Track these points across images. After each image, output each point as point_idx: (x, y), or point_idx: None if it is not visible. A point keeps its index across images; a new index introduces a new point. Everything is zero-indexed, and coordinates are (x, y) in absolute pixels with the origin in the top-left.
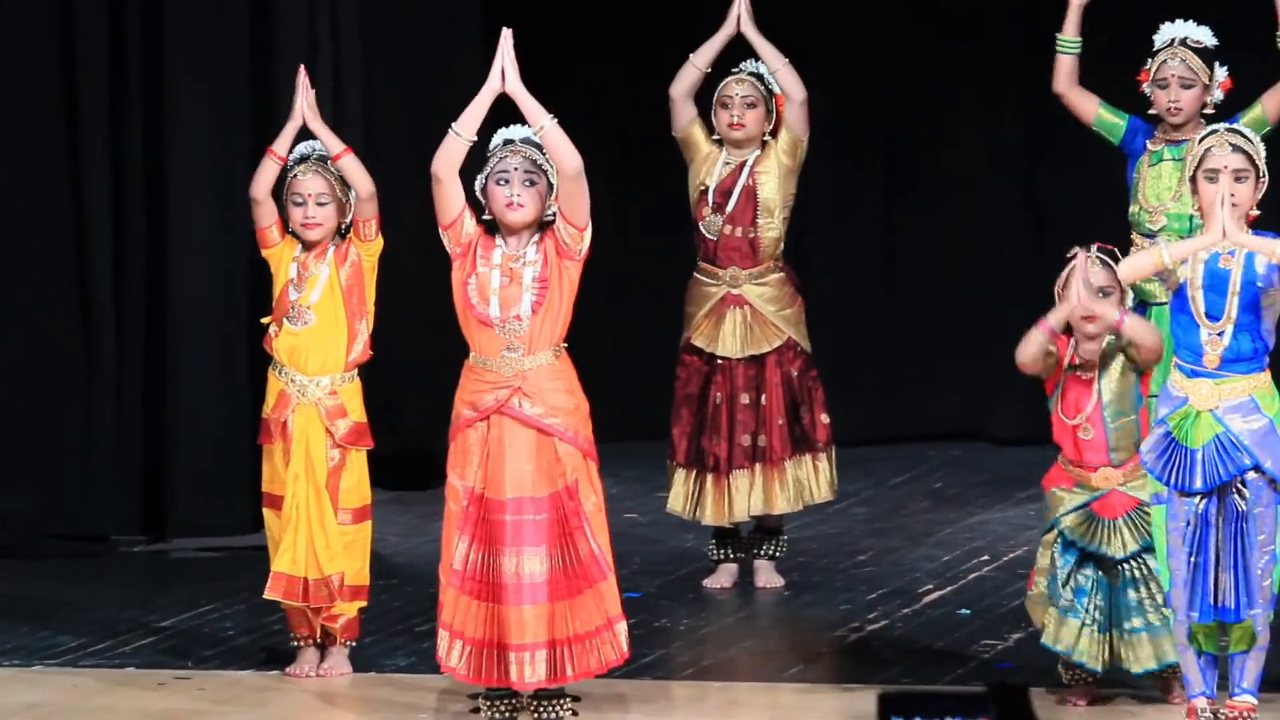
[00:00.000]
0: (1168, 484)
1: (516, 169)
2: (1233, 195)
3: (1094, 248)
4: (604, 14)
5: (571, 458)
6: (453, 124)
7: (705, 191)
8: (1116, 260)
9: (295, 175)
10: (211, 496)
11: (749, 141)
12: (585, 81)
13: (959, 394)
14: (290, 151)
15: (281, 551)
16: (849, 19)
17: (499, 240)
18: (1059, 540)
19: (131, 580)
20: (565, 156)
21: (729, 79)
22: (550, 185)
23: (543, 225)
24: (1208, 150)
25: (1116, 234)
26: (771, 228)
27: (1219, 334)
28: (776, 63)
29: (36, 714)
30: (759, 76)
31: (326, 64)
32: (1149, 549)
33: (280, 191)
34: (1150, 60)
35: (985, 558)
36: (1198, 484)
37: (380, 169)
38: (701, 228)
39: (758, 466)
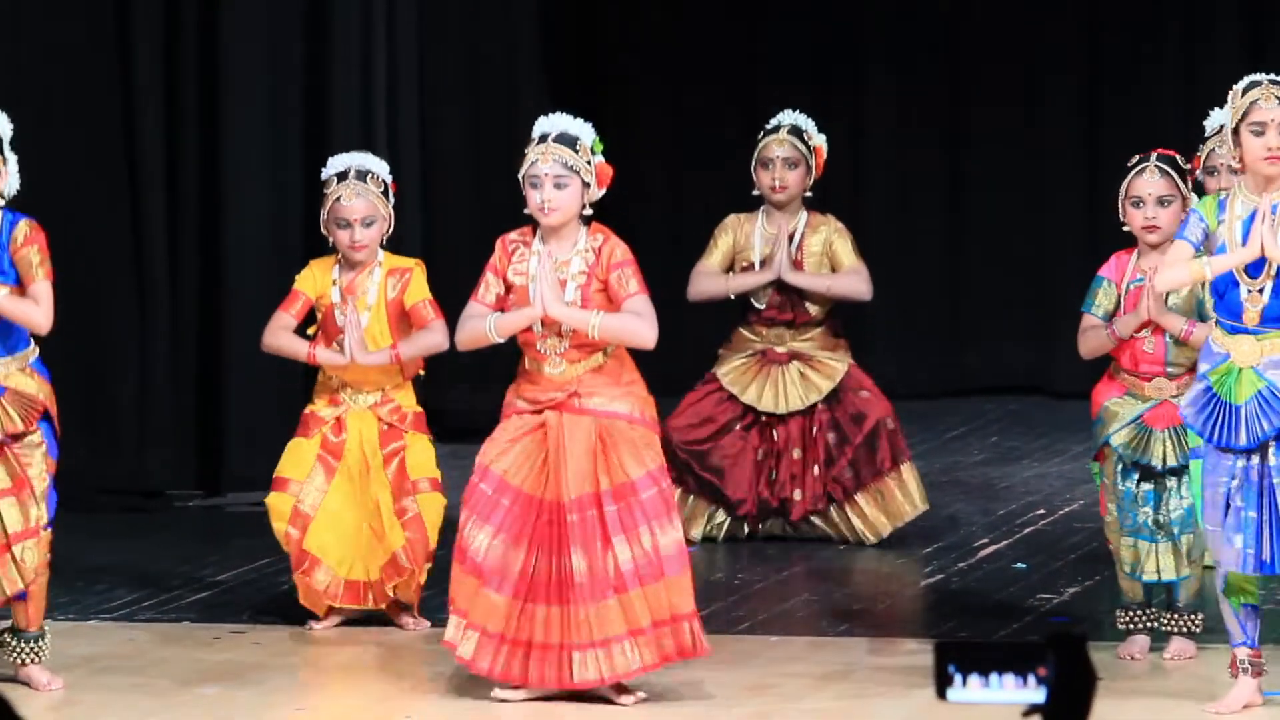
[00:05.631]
0: (1210, 440)
1: (547, 174)
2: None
3: (1154, 156)
4: (656, 26)
5: (637, 443)
6: (493, 318)
7: (750, 265)
8: (1178, 168)
9: (338, 199)
10: (266, 451)
11: (790, 202)
12: (640, 88)
13: (1017, 348)
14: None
15: (340, 562)
16: None
17: (536, 244)
18: (1118, 462)
19: (186, 535)
20: (634, 341)
21: (768, 138)
22: (585, 183)
23: (588, 220)
24: (1254, 103)
25: None
26: (818, 296)
27: (1259, 290)
28: (832, 288)
29: (93, 668)
30: (799, 133)
31: (380, 70)
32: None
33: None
34: (1201, 147)
35: (1041, 511)
36: (1242, 441)
37: (435, 166)
38: (750, 296)
39: (831, 509)
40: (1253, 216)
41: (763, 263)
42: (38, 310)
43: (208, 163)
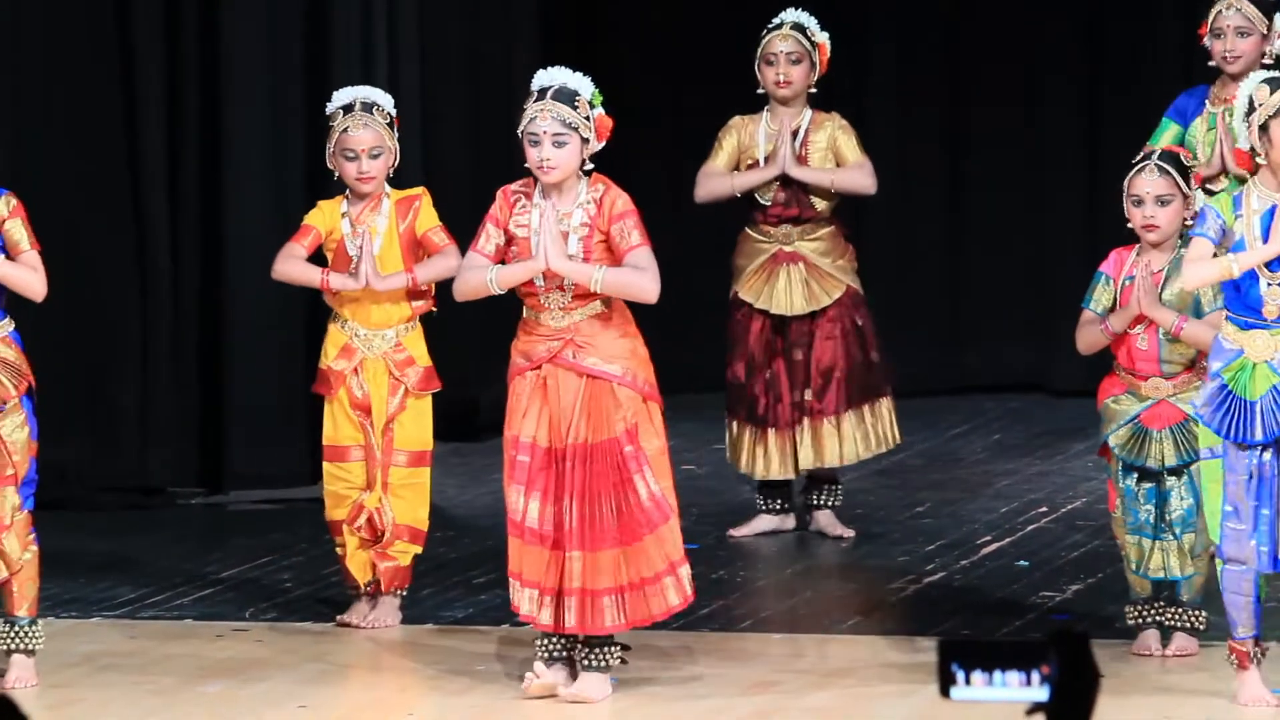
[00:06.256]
0: (1226, 437)
1: (546, 131)
2: None
3: (1155, 155)
4: (656, 15)
5: (631, 402)
6: (494, 270)
7: (756, 163)
8: (1179, 167)
9: (345, 130)
10: (269, 448)
11: (795, 98)
12: (640, 88)
13: (1017, 347)
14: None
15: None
16: None
17: (537, 197)
18: (1118, 461)
19: (189, 533)
20: (636, 295)
21: (771, 34)
22: (584, 139)
23: (588, 172)
24: None
25: None
26: (823, 192)
27: (1279, 284)
28: (836, 182)
29: (96, 665)
30: (802, 29)
31: (380, 70)
32: (1189, 464)
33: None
34: (1208, 11)
35: (1043, 509)
36: (1258, 436)
37: (435, 164)
38: (755, 194)
39: (814, 421)
40: (1271, 211)
41: (767, 159)
42: (35, 277)
43: (208, 163)
